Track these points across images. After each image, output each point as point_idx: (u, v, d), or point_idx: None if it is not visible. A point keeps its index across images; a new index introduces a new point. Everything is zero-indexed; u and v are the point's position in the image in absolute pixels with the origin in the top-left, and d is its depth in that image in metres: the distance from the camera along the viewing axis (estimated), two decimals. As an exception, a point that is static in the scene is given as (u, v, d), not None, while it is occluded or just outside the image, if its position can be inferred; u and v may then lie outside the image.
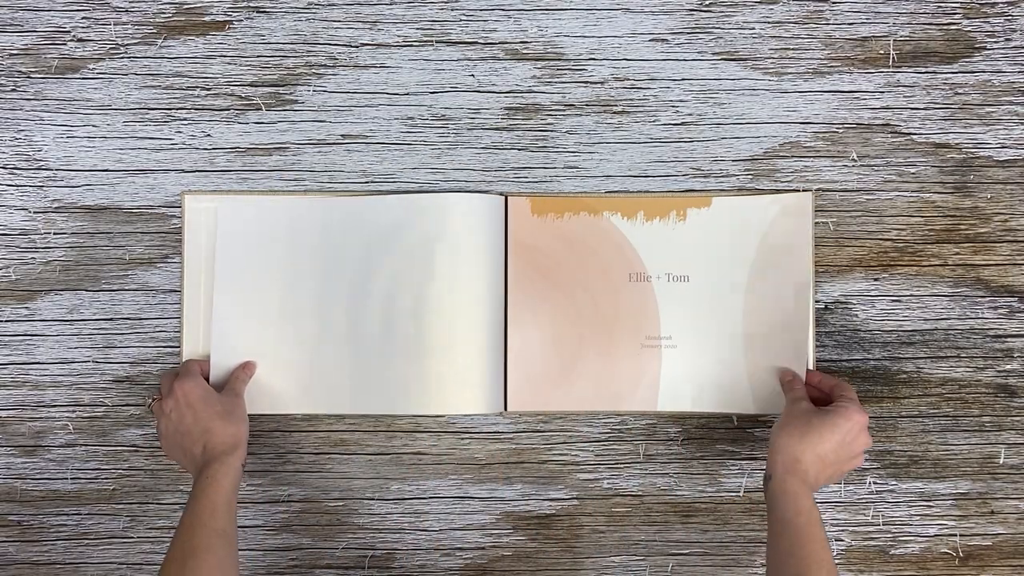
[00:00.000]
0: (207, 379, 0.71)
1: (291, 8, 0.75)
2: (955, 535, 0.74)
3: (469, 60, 0.75)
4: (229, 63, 0.75)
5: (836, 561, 0.74)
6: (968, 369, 0.74)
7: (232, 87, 0.75)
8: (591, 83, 0.75)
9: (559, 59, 0.75)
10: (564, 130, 0.75)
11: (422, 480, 0.75)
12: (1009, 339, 0.74)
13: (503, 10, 0.75)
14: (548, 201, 0.74)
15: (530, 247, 0.73)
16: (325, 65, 0.75)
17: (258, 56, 0.75)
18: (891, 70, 0.74)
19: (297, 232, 0.73)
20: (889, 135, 0.74)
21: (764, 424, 0.74)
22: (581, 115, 0.75)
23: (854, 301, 0.74)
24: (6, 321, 0.74)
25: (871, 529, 0.74)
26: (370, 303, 0.73)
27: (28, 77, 0.75)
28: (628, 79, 0.75)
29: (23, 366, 0.74)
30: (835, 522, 0.74)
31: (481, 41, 0.75)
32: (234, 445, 0.65)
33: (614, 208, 0.74)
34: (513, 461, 0.75)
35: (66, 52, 0.75)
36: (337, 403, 0.73)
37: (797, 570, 0.58)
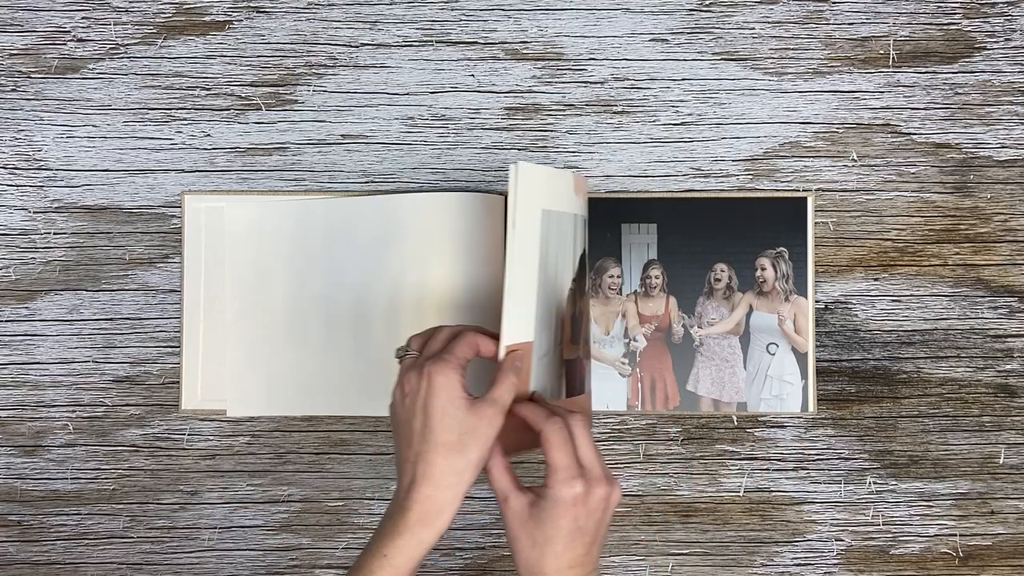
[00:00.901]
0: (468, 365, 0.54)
1: (291, 8, 0.75)
2: (955, 535, 0.74)
3: (469, 60, 0.75)
4: (229, 63, 0.75)
5: (835, 561, 0.74)
6: (968, 369, 0.74)
7: (232, 87, 0.75)
8: (591, 83, 0.75)
9: (559, 59, 0.75)
10: (564, 130, 0.75)
11: (422, 480, 0.75)
12: (1009, 339, 0.74)
13: (503, 10, 0.75)
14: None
15: None
16: (325, 65, 0.75)
17: (258, 56, 0.75)
18: (891, 70, 0.74)
19: (300, 231, 0.73)
20: (889, 135, 0.74)
21: (764, 424, 0.74)
22: (581, 115, 0.75)
23: (854, 301, 0.74)
24: (6, 321, 0.74)
25: (871, 529, 0.74)
26: (372, 301, 0.73)
27: (28, 77, 0.75)
28: (628, 79, 0.75)
29: (23, 366, 0.74)
30: (835, 522, 0.74)
31: (481, 41, 0.75)
32: (440, 509, 0.51)
33: None
34: (513, 461, 0.75)
35: (66, 52, 0.75)
36: (339, 404, 0.73)
37: None
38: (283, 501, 0.75)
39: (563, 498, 0.51)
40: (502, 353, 0.54)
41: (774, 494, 0.74)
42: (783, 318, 0.73)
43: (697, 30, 0.75)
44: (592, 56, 0.75)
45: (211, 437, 0.74)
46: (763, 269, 0.73)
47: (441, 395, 0.51)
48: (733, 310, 0.74)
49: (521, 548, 0.52)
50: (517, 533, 0.52)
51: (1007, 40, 0.74)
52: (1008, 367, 0.74)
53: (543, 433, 0.53)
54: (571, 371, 0.64)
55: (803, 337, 0.73)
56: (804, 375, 0.73)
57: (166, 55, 0.75)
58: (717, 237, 0.74)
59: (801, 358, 0.73)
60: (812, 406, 0.73)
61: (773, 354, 0.73)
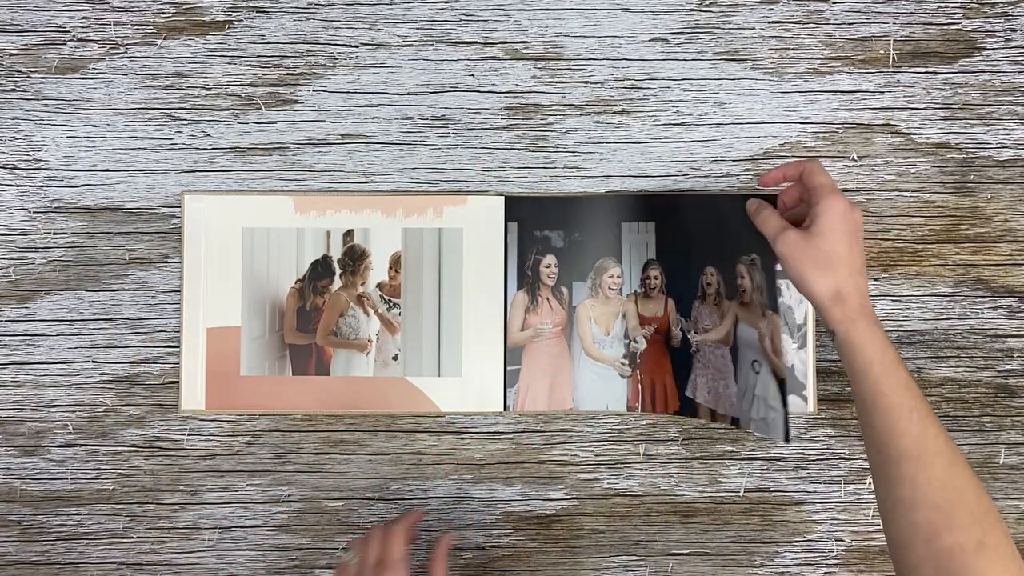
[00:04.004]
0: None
1: (291, 8, 0.75)
2: (955, 535, 0.74)
3: (469, 60, 0.75)
4: (229, 63, 0.75)
5: (835, 561, 0.74)
6: (968, 369, 0.74)
7: (232, 87, 0.75)
8: (591, 83, 0.75)
9: (559, 59, 0.75)
10: (564, 130, 0.75)
11: (422, 480, 0.75)
12: (1009, 339, 0.74)
13: (503, 10, 0.75)
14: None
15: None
16: (325, 65, 0.75)
17: (258, 56, 0.75)
18: (891, 70, 0.74)
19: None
20: (889, 135, 0.74)
21: (764, 424, 0.74)
22: (581, 115, 0.75)
23: (854, 301, 0.74)
24: (6, 321, 0.74)
25: (871, 529, 0.74)
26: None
27: (28, 77, 0.75)
28: (628, 79, 0.75)
29: (23, 366, 0.74)
30: (835, 522, 0.74)
31: (481, 41, 0.75)
32: None
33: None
34: (513, 461, 0.75)
35: (66, 52, 0.75)
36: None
37: (884, 462, 0.53)
38: (283, 501, 0.75)
39: (836, 206, 0.56)
40: None
41: (774, 494, 0.74)
42: (763, 335, 0.66)
43: (697, 30, 0.75)
44: (592, 56, 0.75)
45: (211, 437, 0.74)
46: (742, 277, 0.68)
47: None
48: (722, 318, 0.70)
49: (813, 281, 0.56)
50: (798, 263, 0.57)
51: (1007, 40, 0.74)
52: (1008, 367, 0.74)
53: (806, 168, 0.59)
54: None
55: (779, 359, 0.64)
56: (785, 402, 0.64)
57: (166, 55, 0.75)
58: (707, 239, 0.71)
59: (783, 382, 0.64)
60: (812, 406, 0.73)
61: (758, 372, 0.66)
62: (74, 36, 0.75)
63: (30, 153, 0.75)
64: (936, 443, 0.52)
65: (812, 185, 0.58)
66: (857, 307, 0.56)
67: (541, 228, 0.74)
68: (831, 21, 0.74)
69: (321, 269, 0.73)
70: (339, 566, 0.61)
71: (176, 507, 0.74)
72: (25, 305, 0.74)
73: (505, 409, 0.74)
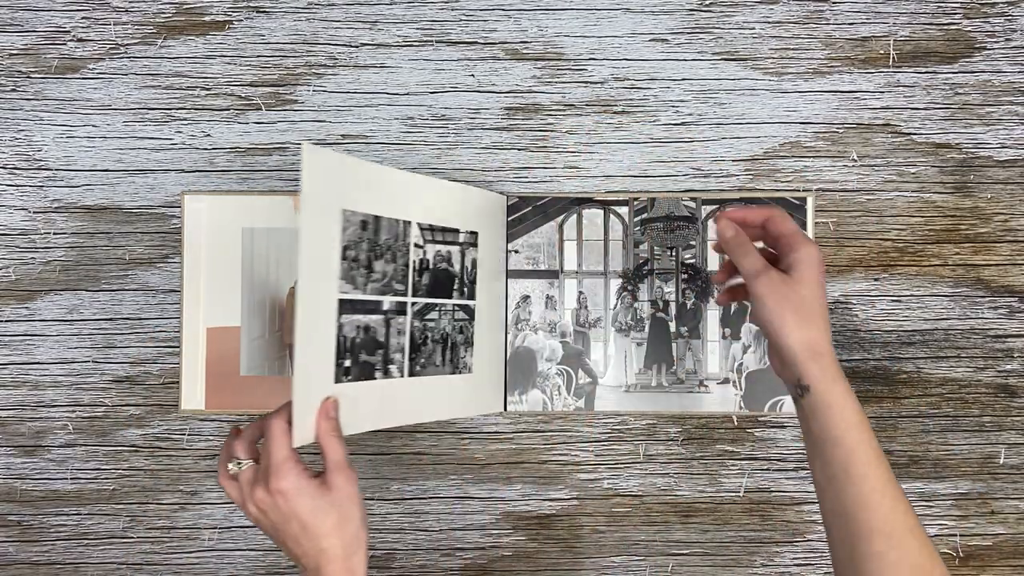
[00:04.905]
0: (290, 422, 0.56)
1: (291, 8, 0.75)
2: (955, 535, 0.74)
3: (469, 60, 0.75)
4: (229, 63, 0.75)
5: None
6: (968, 369, 0.74)
7: (232, 87, 0.75)
8: (591, 83, 0.75)
9: (559, 59, 0.75)
10: (564, 130, 0.75)
11: (422, 480, 0.75)
12: (1009, 339, 0.74)
13: (503, 10, 0.75)
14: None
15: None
16: (325, 65, 0.75)
17: (258, 56, 0.75)
18: (891, 70, 0.74)
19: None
20: (889, 135, 0.74)
21: (764, 424, 0.74)
22: (581, 115, 0.75)
23: (854, 301, 0.74)
24: (6, 321, 0.74)
25: (871, 529, 0.74)
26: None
27: (28, 77, 0.75)
28: (628, 79, 0.75)
29: (23, 366, 0.74)
30: (835, 522, 0.74)
31: (481, 41, 0.75)
32: (354, 572, 0.55)
33: None
34: (513, 461, 0.75)
35: (66, 52, 0.75)
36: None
37: (850, 536, 0.50)
38: (283, 501, 0.75)
39: (815, 255, 0.54)
40: (296, 437, 0.55)
41: (774, 494, 0.74)
42: None
43: (697, 30, 0.75)
44: (592, 56, 0.75)
45: (211, 437, 0.74)
46: None
47: (300, 499, 0.54)
48: None
49: (796, 328, 0.52)
50: (778, 307, 0.53)
51: (1007, 40, 0.74)
52: (1008, 367, 0.74)
53: (771, 217, 0.56)
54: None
55: None
56: None
57: (166, 55, 0.75)
58: None
59: None
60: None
61: None
62: (74, 36, 0.75)
63: (30, 153, 0.75)
64: (908, 520, 0.50)
65: (785, 231, 0.56)
66: (833, 365, 0.52)
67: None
68: (831, 21, 0.74)
69: None
70: (227, 479, 0.56)
71: (176, 507, 0.74)
72: (25, 305, 0.74)
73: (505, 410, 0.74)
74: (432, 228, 0.67)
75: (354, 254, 0.60)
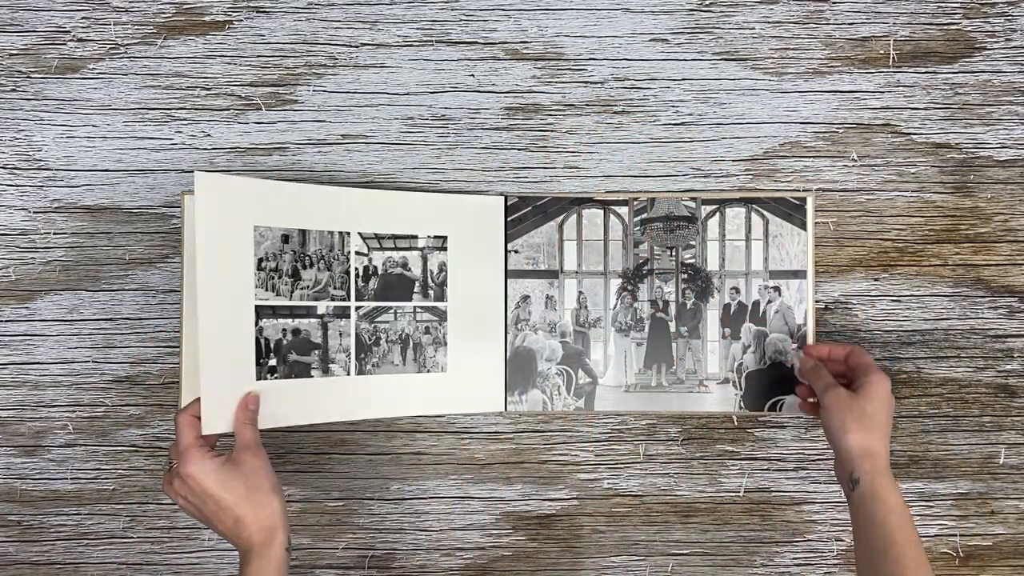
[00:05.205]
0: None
1: (291, 8, 0.75)
2: (955, 535, 0.74)
3: (469, 60, 0.75)
4: (229, 63, 0.75)
5: (835, 561, 0.74)
6: (968, 369, 0.74)
7: (232, 87, 0.75)
8: (591, 83, 0.75)
9: (559, 59, 0.75)
10: (564, 130, 0.75)
11: (422, 480, 0.75)
12: (1009, 339, 0.74)
13: (503, 10, 0.75)
14: None
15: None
16: (325, 65, 0.75)
17: (258, 56, 0.75)
18: (891, 70, 0.74)
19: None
20: (889, 135, 0.74)
21: (764, 424, 0.74)
22: (581, 115, 0.75)
23: (854, 301, 0.74)
24: (6, 321, 0.74)
25: (871, 529, 0.74)
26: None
27: (28, 77, 0.75)
28: (628, 79, 0.75)
29: (23, 366, 0.74)
30: (835, 522, 0.74)
31: (481, 41, 0.75)
32: (272, 528, 0.59)
33: None
34: (513, 461, 0.75)
35: (66, 52, 0.75)
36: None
37: (893, 569, 0.58)
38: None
39: (884, 383, 0.64)
40: (206, 425, 0.62)
41: (774, 494, 0.74)
42: None
43: (697, 30, 0.75)
44: (592, 56, 0.75)
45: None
46: None
47: (208, 478, 0.59)
48: None
49: (856, 433, 0.62)
50: (840, 414, 0.63)
51: (1007, 40, 0.74)
52: (1008, 367, 0.74)
53: (852, 351, 0.68)
54: None
55: None
56: None
57: (166, 55, 0.75)
58: None
59: None
60: (812, 406, 0.73)
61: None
62: (74, 36, 0.75)
63: (30, 153, 0.75)
64: None
65: (861, 363, 0.66)
66: (884, 463, 0.62)
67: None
68: (831, 21, 0.74)
69: None
70: (166, 483, 0.61)
71: (176, 507, 0.74)
72: (25, 305, 0.74)
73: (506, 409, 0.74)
74: (378, 236, 0.71)
75: (274, 264, 0.66)
